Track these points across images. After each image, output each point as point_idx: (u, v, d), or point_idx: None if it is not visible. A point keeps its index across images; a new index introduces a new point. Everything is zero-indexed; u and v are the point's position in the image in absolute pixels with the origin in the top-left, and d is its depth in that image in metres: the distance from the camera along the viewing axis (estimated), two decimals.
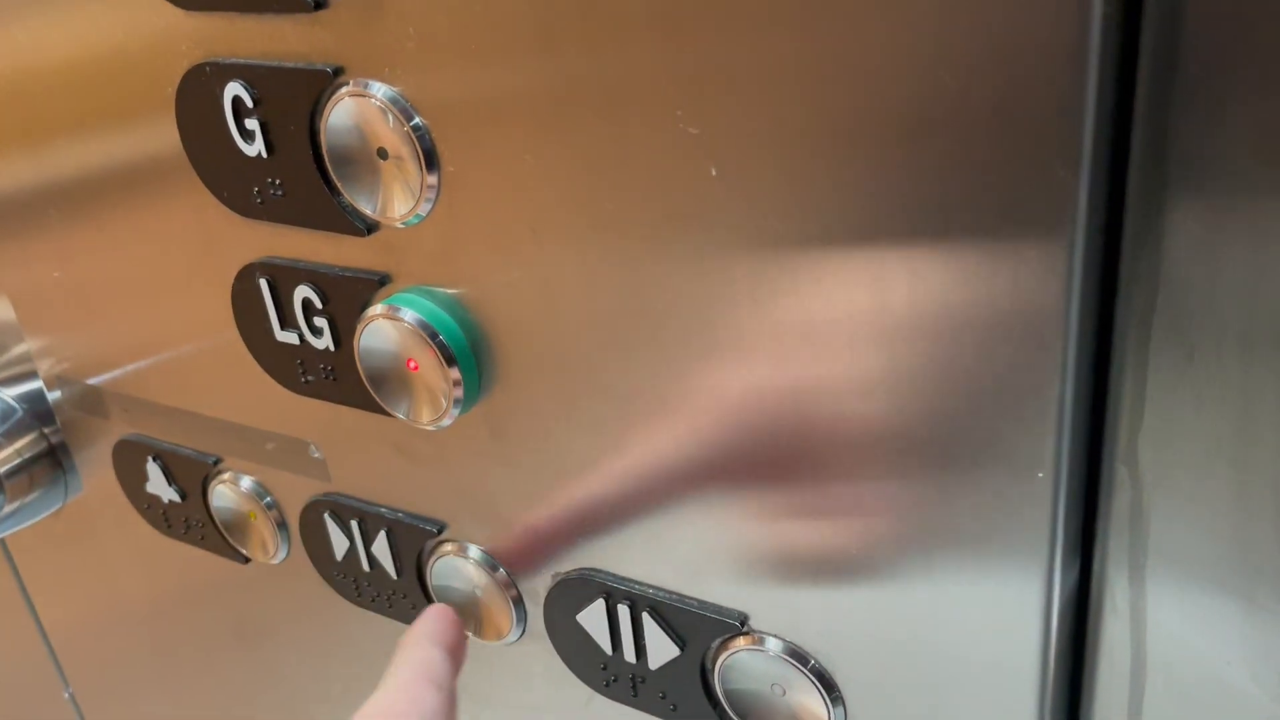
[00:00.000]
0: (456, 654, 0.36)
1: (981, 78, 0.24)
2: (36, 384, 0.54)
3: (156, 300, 0.44)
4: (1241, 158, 0.24)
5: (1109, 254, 0.27)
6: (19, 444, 0.56)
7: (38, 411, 0.55)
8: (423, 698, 0.33)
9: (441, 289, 0.36)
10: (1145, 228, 0.26)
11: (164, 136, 0.38)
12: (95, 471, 0.54)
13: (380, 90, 0.33)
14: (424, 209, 0.34)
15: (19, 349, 0.53)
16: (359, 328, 0.37)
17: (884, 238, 0.27)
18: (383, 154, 0.34)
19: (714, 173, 0.29)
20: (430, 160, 0.33)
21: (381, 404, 0.38)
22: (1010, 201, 0.25)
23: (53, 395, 0.52)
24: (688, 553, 0.35)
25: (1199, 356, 0.26)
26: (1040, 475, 0.28)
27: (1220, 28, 0.23)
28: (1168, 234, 0.26)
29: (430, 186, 0.34)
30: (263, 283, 0.39)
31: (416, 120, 0.33)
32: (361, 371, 0.38)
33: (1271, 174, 0.24)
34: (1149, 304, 0.27)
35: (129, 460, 0.50)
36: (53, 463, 0.57)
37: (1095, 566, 0.31)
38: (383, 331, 0.36)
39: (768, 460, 0.32)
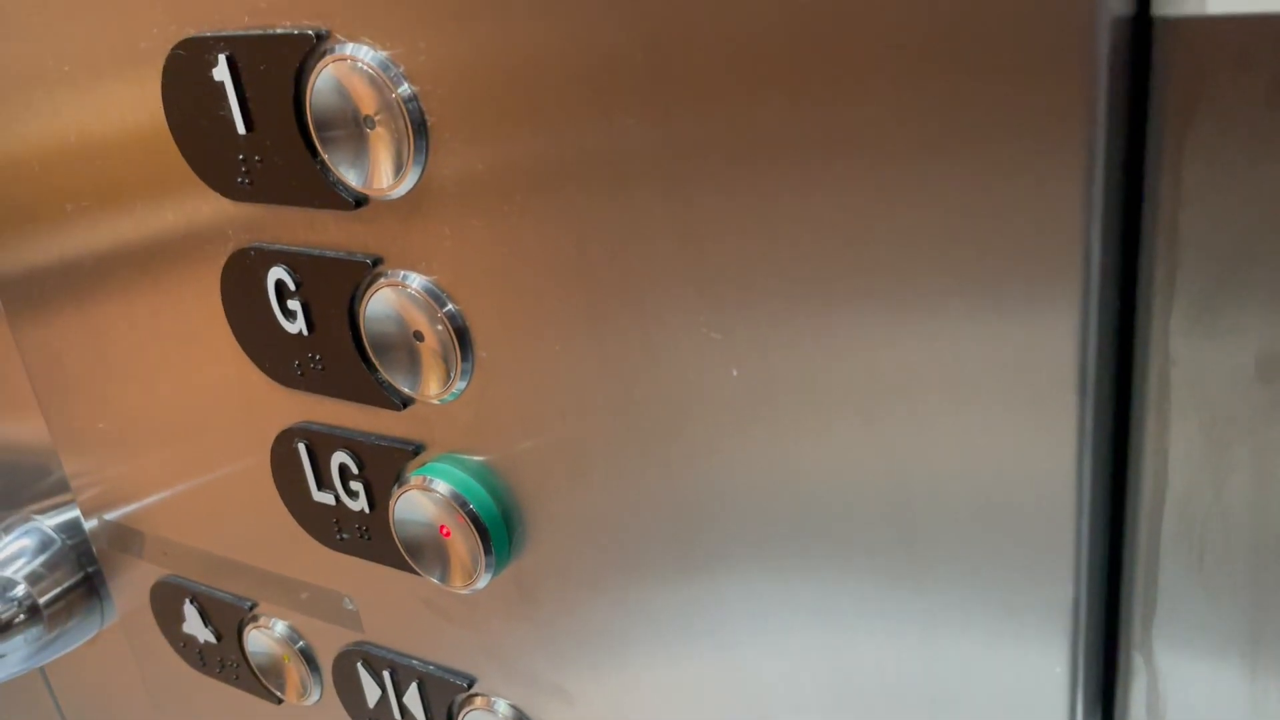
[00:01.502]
0: None
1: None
2: (74, 513, 0.55)
3: (196, 451, 0.45)
4: (1244, 380, 0.26)
5: (1116, 459, 0.28)
6: (58, 573, 0.57)
7: (76, 542, 0.57)
8: None
9: (472, 457, 0.37)
10: (1148, 439, 0.27)
11: (210, 308, 0.40)
12: (130, 599, 0.55)
13: (416, 281, 0.34)
14: (458, 388, 0.36)
15: (58, 475, 0.55)
16: (394, 496, 0.38)
17: (901, 447, 0.28)
18: (419, 337, 0.35)
19: (735, 374, 0.30)
20: (464, 344, 0.35)
21: (416, 569, 0.39)
22: (1020, 394, 0.26)
23: (89, 524, 0.54)
24: (715, 714, 0.36)
25: (1208, 559, 0.27)
26: (1058, 670, 0.28)
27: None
28: (1173, 445, 0.27)
29: (464, 368, 0.35)
30: (301, 447, 0.41)
31: (450, 308, 0.34)
32: (397, 539, 0.39)
33: (1272, 391, 0.25)
34: (1156, 508, 0.28)
35: (167, 601, 0.51)
36: (89, 590, 0.58)
37: None
38: (416, 502, 0.37)
39: (788, 643, 0.33)
